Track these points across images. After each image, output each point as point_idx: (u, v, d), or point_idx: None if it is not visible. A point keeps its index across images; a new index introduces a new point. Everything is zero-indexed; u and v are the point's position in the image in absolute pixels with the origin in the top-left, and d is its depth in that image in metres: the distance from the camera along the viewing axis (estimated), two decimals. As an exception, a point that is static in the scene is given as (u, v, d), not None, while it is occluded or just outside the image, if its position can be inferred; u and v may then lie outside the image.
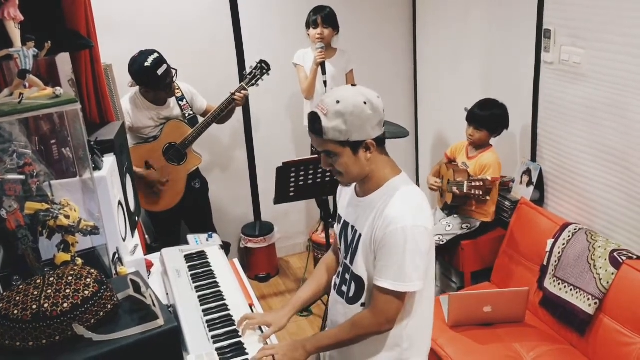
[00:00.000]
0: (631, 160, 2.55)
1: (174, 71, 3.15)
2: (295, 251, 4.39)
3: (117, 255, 1.87)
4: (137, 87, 3.22)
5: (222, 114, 3.28)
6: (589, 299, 2.49)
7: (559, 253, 2.70)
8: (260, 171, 4.05)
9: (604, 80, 2.62)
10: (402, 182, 1.65)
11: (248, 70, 3.31)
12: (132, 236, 2.17)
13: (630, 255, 2.46)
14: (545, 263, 2.76)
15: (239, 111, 3.63)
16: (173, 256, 2.19)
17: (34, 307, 1.28)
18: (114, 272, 1.81)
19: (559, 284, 2.66)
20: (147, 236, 3.40)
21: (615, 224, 2.69)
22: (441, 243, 3.12)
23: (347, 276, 1.74)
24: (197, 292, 1.95)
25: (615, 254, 2.48)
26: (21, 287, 1.36)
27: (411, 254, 1.55)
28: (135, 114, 3.20)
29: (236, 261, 2.23)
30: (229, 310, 1.85)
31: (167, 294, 2.01)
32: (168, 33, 3.50)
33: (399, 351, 1.72)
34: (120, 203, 2.02)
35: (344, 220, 1.77)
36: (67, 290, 1.32)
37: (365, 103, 1.54)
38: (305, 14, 3.51)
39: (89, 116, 2.25)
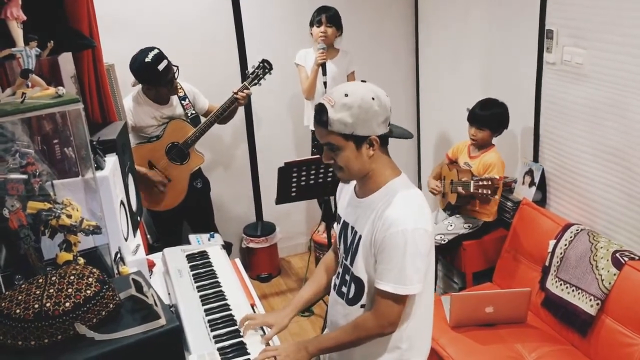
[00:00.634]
0: (633, 160, 2.54)
1: (175, 68, 3.15)
2: (297, 251, 4.39)
3: (119, 255, 1.88)
4: (140, 86, 3.22)
5: (224, 114, 3.28)
6: (590, 300, 2.49)
7: (561, 254, 2.70)
8: (262, 171, 4.05)
9: (606, 80, 2.62)
10: (402, 184, 1.65)
11: (250, 69, 3.31)
12: (134, 236, 2.18)
13: (632, 256, 2.46)
14: (547, 264, 2.76)
15: (240, 111, 3.63)
16: (175, 256, 2.19)
17: (36, 306, 1.28)
18: (116, 271, 1.81)
19: (561, 284, 2.65)
20: (149, 236, 3.40)
21: (618, 224, 2.68)
22: (443, 242, 3.12)
23: (347, 277, 1.74)
24: (198, 291, 1.95)
25: (617, 254, 2.47)
26: (23, 286, 1.36)
27: (412, 257, 1.55)
28: (137, 113, 3.20)
29: (238, 261, 2.23)
30: (230, 310, 1.85)
31: (169, 293, 2.01)
32: (169, 33, 3.51)
33: (399, 352, 1.72)
34: (122, 203, 2.02)
35: (344, 221, 1.77)
36: (69, 290, 1.32)
37: (373, 99, 1.54)
38: (307, 14, 3.52)
39: (91, 116, 2.25)
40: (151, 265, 2.21)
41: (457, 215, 3.20)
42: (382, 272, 1.59)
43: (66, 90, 1.65)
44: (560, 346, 2.58)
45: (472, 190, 2.91)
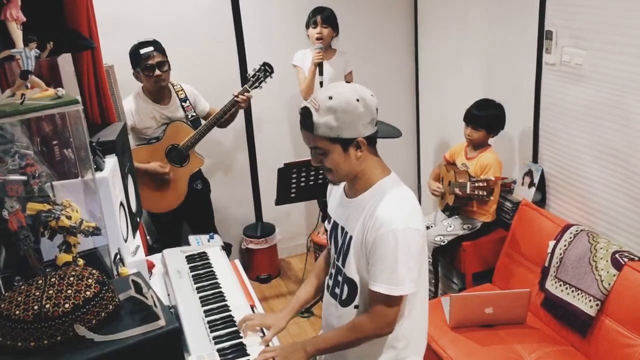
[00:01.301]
0: (633, 161, 2.54)
1: (166, 63, 3.15)
2: (297, 252, 4.39)
3: (118, 256, 1.88)
4: (141, 86, 3.23)
5: (224, 117, 3.28)
6: (590, 301, 2.49)
7: (561, 254, 2.70)
8: (262, 172, 4.05)
9: (606, 81, 2.62)
10: (392, 183, 1.64)
11: (251, 72, 3.31)
12: (134, 237, 2.17)
13: (632, 256, 2.46)
14: (546, 264, 2.76)
15: (240, 111, 3.63)
16: (174, 257, 2.19)
17: (36, 307, 1.28)
18: (115, 272, 1.81)
19: (560, 285, 2.65)
20: (148, 237, 3.40)
21: (617, 225, 2.68)
22: (442, 244, 3.12)
23: (340, 278, 1.74)
24: (198, 293, 1.95)
25: (617, 255, 2.47)
26: (23, 287, 1.36)
27: (403, 257, 1.55)
28: (138, 112, 3.21)
29: (237, 262, 2.24)
30: (230, 311, 1.85)
31: (169, 294, 2.01)
32: (169, 33, 3.50)
33: (395, 352, 1.72)
34: (121, 204, 2.02)
35: (334, 221, 1.76)
36: (69, 291, 1.32)
37: (358, 100, 1.53)
38: (307, 14, 3.51)
39: (90, 117, 2.25)
40: (151, 266, 2.21)
41: (456, 217, 3.20)
42: (374, 273, 1.59)
43: (66, 90, 1.65)
44: (560, 347, 2.58)
45: (468, 192, 2.92)
